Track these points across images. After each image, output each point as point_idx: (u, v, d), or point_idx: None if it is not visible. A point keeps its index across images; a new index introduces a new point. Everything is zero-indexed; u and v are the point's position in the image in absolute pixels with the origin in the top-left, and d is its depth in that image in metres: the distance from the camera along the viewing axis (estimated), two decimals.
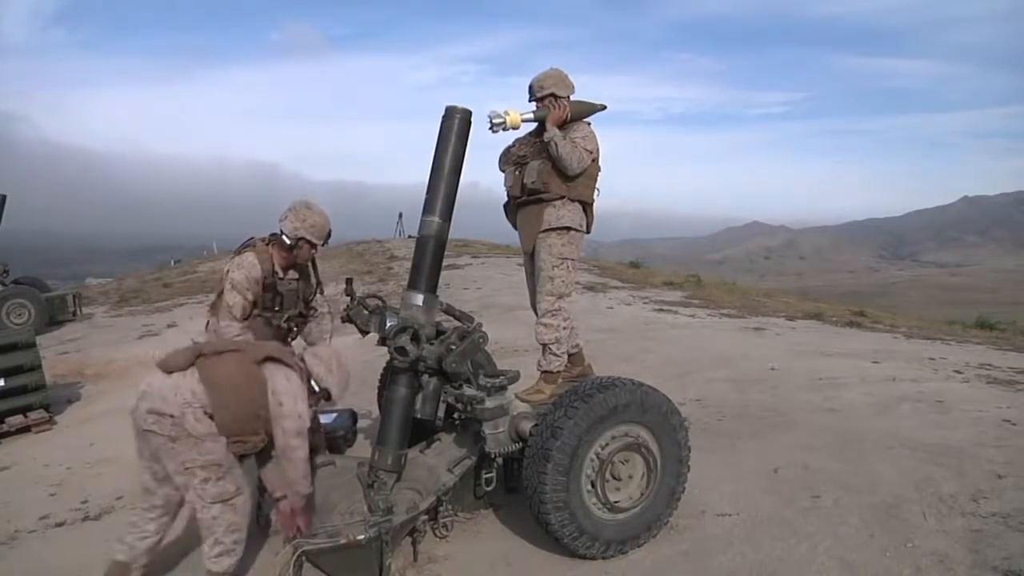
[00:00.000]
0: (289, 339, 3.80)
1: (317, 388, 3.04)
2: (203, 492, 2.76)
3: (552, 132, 3.93)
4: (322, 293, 3.96)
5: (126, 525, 2.98)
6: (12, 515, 4.16)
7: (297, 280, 3.71)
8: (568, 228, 4.13)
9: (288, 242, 3.54)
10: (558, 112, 3.98)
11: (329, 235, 3.65)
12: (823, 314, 10.15)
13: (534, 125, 4.10)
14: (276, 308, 3.63)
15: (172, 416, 2.70)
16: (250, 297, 3.52)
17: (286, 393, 2.81)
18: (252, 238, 3.72)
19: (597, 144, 4.11)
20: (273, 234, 3.62)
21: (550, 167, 4.03)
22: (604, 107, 4.23)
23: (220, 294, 3.66)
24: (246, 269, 3.52)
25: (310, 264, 3.79)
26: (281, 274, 3.63)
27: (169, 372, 2.78)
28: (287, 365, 2.89)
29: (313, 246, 3.60)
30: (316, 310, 3.97)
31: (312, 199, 3.65)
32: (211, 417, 2.73)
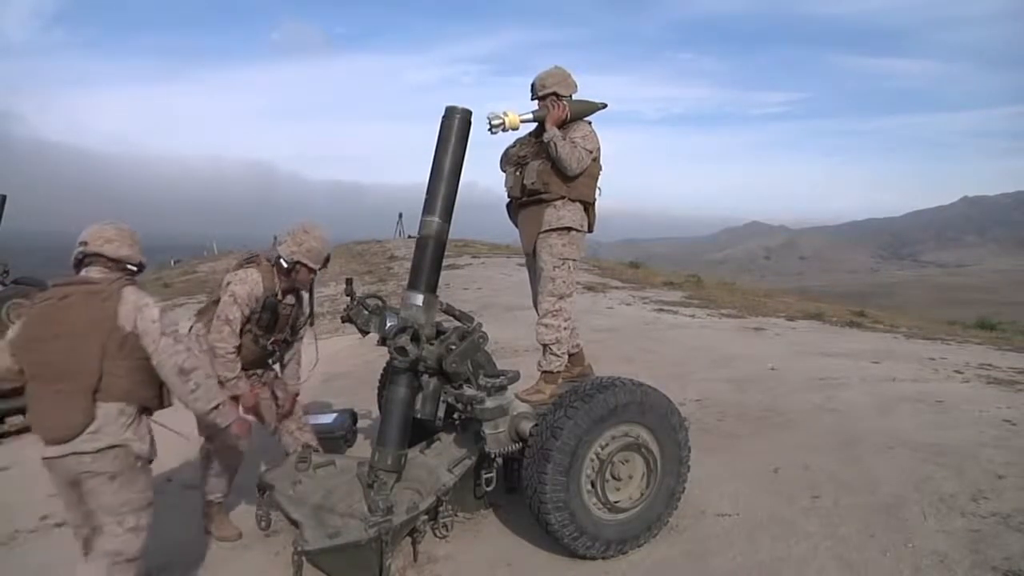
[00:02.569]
0: (271, 361, 3.81)
1: None
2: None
3: (551, 132, 3.92)
4: (312, 324, 3.93)
5: None
6: (12, 515, 4.16)
7: (292, 306, 3.71)
8: (569, 228, 4.11)
9: (285, 266, 3.54)
10: (557, 112, 3.96)
11: (328, 260, 3.64)
12: (823, 314, 10.16)
13: (534, 125, 4.09)
14: (268, 329, 3.62)
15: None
16: (246, 312, 3.52)
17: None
18: (257, 255, 3.72)
19: (598, 143, 4.09)
20: (278, 257, 3.62)
21: (550, 167, 4.01)
22: (605, 106, 4.21)
23: (215, 302, 3.64)
24: (250, 285, 3.51)
25: (307, 291, 3.79)
26: (280, 295, 3.63)
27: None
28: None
29: (311, 271, 3.60)
30: (300, 338, 3.94)
31: (312, 222, 3.62)
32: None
